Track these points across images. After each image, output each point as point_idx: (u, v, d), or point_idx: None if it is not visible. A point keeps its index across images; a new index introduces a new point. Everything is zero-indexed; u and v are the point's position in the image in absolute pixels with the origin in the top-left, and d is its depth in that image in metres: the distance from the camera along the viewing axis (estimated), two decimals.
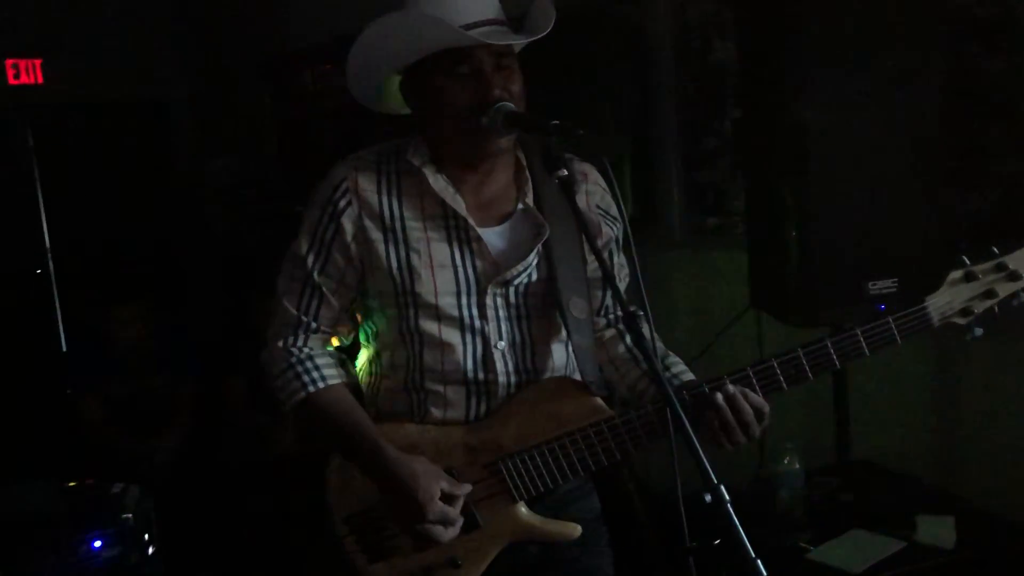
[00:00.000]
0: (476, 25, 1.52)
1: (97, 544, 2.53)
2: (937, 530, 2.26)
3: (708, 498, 1.29)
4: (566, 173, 1.45)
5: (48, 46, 5.50)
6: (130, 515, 2.57)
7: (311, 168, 4.88)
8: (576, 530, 1.63)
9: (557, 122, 1.45)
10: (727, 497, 1.25)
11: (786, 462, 2.43)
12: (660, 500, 1.71)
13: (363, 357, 1.72)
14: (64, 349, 5.42)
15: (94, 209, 5.58)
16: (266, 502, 3.44)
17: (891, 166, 2.28)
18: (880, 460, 2.68)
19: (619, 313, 1.72)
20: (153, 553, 2.71)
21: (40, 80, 5.51)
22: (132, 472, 3.40)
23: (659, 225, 3.17)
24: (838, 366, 1.56)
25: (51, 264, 5.66)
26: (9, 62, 5.45)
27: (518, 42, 1.54)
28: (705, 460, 1.29)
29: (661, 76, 3.20)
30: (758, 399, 1.53)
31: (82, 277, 5.51)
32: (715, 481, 1.27)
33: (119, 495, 2.75)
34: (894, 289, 2.27)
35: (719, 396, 1.51)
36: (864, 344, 1.54)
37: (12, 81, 5.46)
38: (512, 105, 1.52)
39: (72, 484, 2.77)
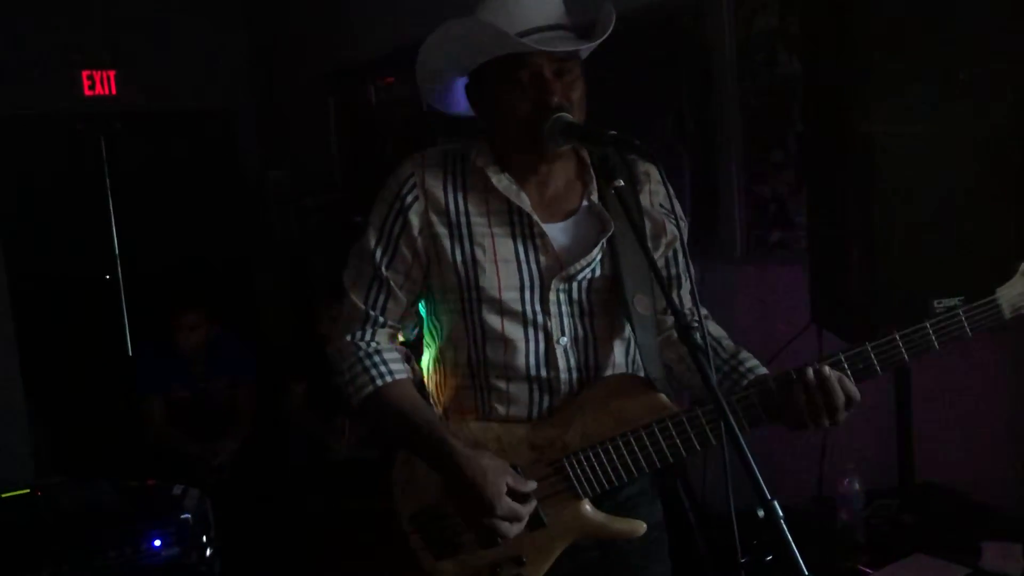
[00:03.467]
0: (535, 31, 1.53)
1: (157, 543, 2.58)
2: (1004, 558, 2.19)
3: (761, 513, 1.27)
4: (622, 183, 1.46)
5: (122, 58, 5.68)
6: (189, 515, 2.63)
7: (372, 179, 4.99)
8: (641, 527, 1.62)
9: (614, 133, 1.46)
10: (780, 513, 1.23)
11: (847, 482, 2.38)
12: (714, 514, 1.69)
13: (428, 354, 1.75)
14: (130, 353, 5.57)
15: (162, 216, 5.73)
16: (323, 505, 3.49)
17: (959, 181, 2.22)
18: (945, 482, 2.61)
19: (684, 313, 1.71)
20: (211, 554, 2.76)
21: (114, 91, 5.69)
22: (192, 474, 3.48)
23: (720, 238, 3.13)
24: (907, 359, 1.53)
25: (120, 270, 5.83)
26: (85, 73, 5.65)
27: (568, 49, 1.54)
28: (758, 474, 1.26)
29: (725, 88, 3.17)
30: (853, 388, 1.51)
31: (149, 283, 5.67)
32: (768, 496, 1.25)
33: (179, 496, 2.82)
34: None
35: (811, 372, 1.50)
36: (933, 337, 1.52)
37: (87, 92, 5.66)
38: (569, 116, 1.53)
39: (135, 484, 2.84)
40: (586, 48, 1.57)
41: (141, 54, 5.69)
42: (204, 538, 2.72)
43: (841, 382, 1.50)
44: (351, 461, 3.74)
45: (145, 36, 5.67)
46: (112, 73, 5.68)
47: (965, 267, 2.22)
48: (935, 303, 2.21)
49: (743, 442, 1.28)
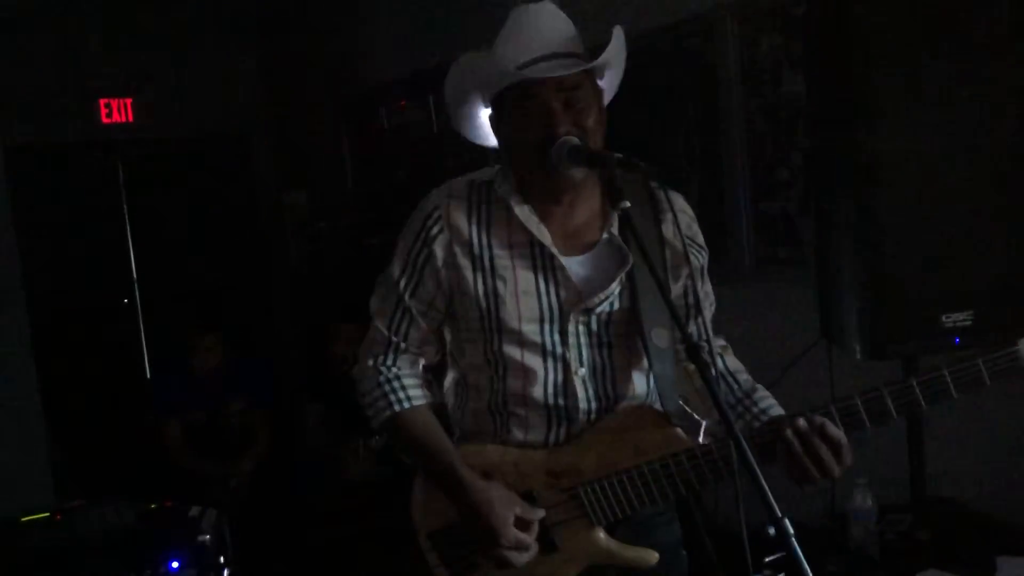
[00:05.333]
0: (540, 60, 1.56)
1: (175, 564, 2.59)
2: (1019, 573, 2.18)
3: (772, 531, 1.29)
4: (628, 205, 1.47)
5: (138, 86, 5.77)
6: (207, 537, 2.64)
7: (385, 203, 5.04)
8: (653, 557, 1.64)
9: (620, 156, 1.48)
10: (791, 530, 1.24)
11: (859, 498, 2.38)
12: (726, 532, 1.70)
13: (450, 379, 1.78)
14: (148, 376, 5.62)
15: (178, 241, 5.81)
16: (338, 525, 3.51)
17: (966, 197, 2.24)
18: (958, 498, 2.60)
19: (694, 336, 1.72)
20: (228, 575, 2.78)
21: (131, 118, 5.78)
22: (208, 495, 3.51)
23: (728, 256, 3.15)
24: (924, 407, 1.53)
25: (138, 294, 5.90)
26: (102, 101, 5.74)
27: (560, 75, 1.56)
28: (768, 493, 1.28)
29: (731, 107, 3.20)
30: (835, 432, 1.49)
31: (166, 307, 5.73)
32: (779, 514, 1.26)
33: (197, 517, 2.83)
34: (969, 323, 2.22)
35: (788, 431, 1.50)
36: (952, 385, 1.51)
37: (104, 120, 5.75)
38: (575, 140, 1.55)
39: (153, 505, 2.86)
40: (581, 68, 1.58)
41: (157, 81, 5.78)
42: (221, 559, 2.73)
43: (824, 428, 1.48)
44: (366, 482, 3.76)
45: (161, 64, 5.77)
46: (129, 101, 5.78)
47: (973, 283, 2.24)
48: (943, 318, 2.22)
49: (755, 463, 1.29)
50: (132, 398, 5.13)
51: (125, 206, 5.88)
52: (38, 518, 2.68)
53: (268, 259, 5.96)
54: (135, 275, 5.91)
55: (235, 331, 4.18)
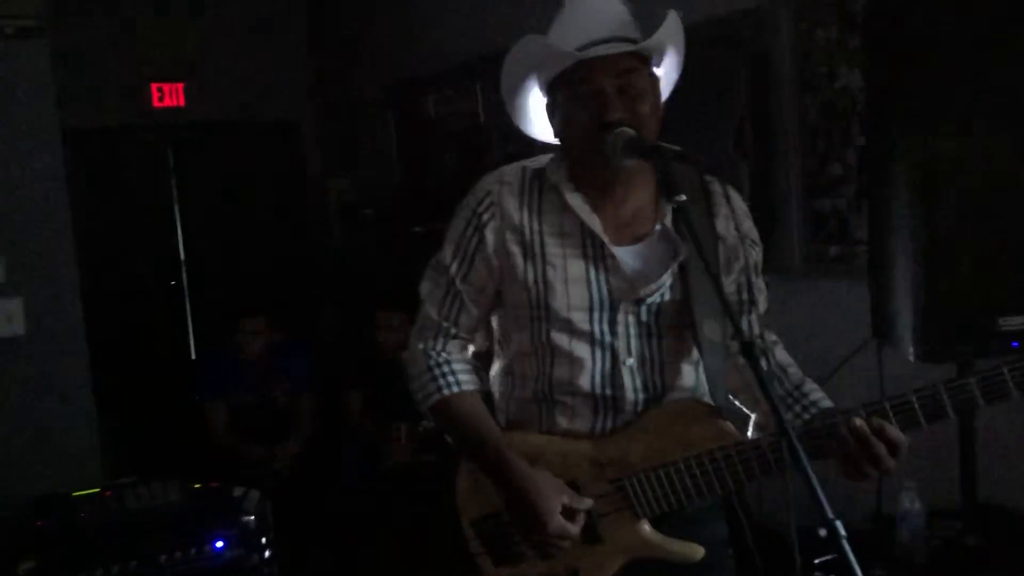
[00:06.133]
0: (595, 44, 1.55)
1: (220, 544, 2.65)
2: None
3: (823, 532, 1.27)
4: (684, 198, 1.46)
5: (190, 71, 5.85)
6: (252, 518, 2.69)
7: (431, 190, 5.05)
8: (699, 552, 1.63)
9: (677, 149, 1.47)
10: (843, 532, 1.22)
11: (907, 501, 2.35)
12: (772, 532, 1.69)
13: (496, 366, 1.79)
14: (193, 357, 5.71)
15: (226, 225, 5.89)
16: (379, 509, 3.54)
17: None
18: (1010, 504, 2.55)
19: (747, 332, 1.71)
20: (270, 556, 2.82)
21: (182, 102, 5.86)
22: (252, 477, 3.56)
23: (778, 252, 3.11)
24: (982, 405, 1.50)
25: (185, 276, 5.99)
26: (154, 85, 5.83)
27: (613, 52, 1.54)
28: (821, 493, 1.26)
29: (784, 102, 3.16)
30: (896, 433, 1.47)
31: (213, 289, 5.82)
32: (831, 515, 1.25)
33: (242, 498, 2.89)
34: None
35: (844, 429, 1.48)
36: (1011, 384, 1.47)
37: (156, 104, 5.84)
38: (631, 130, 1.53)
39: (199, 486, 2.92)
40: (635, 48, 1.56)
41: (209, 67, 5.86)
42: (264, 540, 2.78)
43: (883, 429, 1.46)
44: (407, 467, 3.79)
45: (213, 49, 5.84)
46: (181, 86, 5.86)
47: None
48: (1000, 321, 2.18)
49: (806, 461, 1.28)
50: (177, 379, 5.21)
51: (174, 189, 5.97)
52: (89, 494, 2.75)
53: (313, 245, 6.01)
54: (183, 257, 6.00)
55: (280, 315, 4.22)
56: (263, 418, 4.05)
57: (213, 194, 5.98)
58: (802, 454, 1.30)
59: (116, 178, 5.69)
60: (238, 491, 2.92)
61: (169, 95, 5.84)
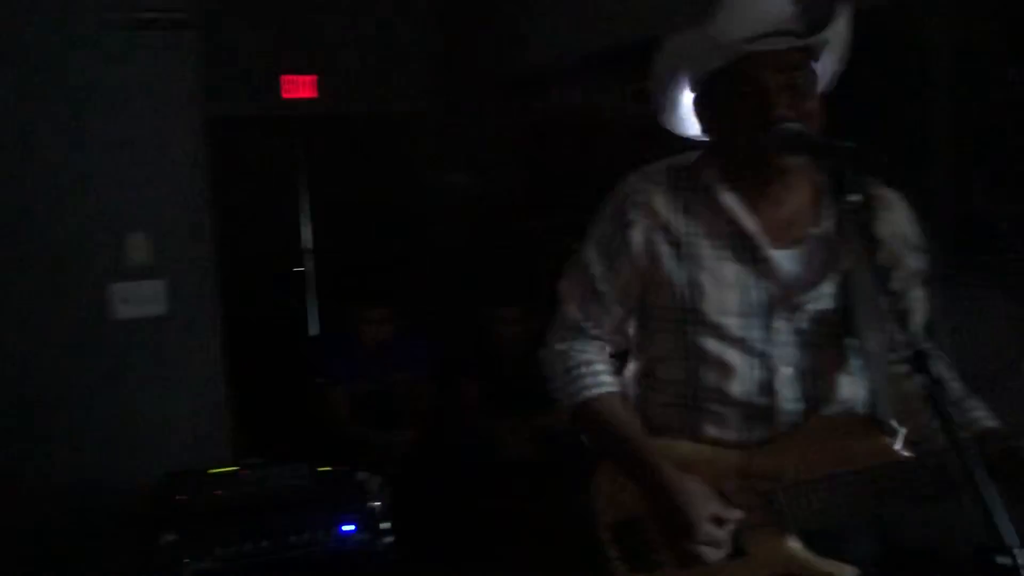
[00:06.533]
0: (762, 37, 1.49)
1: (346, 528, 2.69)
2: None
3: (1000, 559, 1.19)
4: (860, 198, 1.38)
5: (319, 63, 6.00)
6: (379, 504, 2.72)
7: (549, 186, 5.03)
8: (848, 573, 1.56)
9: (851, 146, 1.39)
10: None
11: None
12: (928, 555, 1.60)
13: (633, 369, 1.75)
14: (313, 342, 5.85)
15: (349, 214, 6.02)
16: (492, 502, 3.55)
17: None
18: None
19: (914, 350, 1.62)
20: (392, 543, 2.85)
21: (311, 94, 6.02)
22: (370, 463, 3.61)
23: (931, 259, 2.96)
24: None
25: (309, 264, 6.17)
26: (285, 77, 6.00)
27: (785, 47, 1.48)
28: (1004, 515, 1.18)
29: (940, 100, 3.00)
30: None
31: (335, 277, 5.96)
32: (1014, 541, 1.17)
33: (366, 483, 2.93)
34: None
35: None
36: None
37: (286, 95, 6.01)
38: (796, 126, 1.47)
39: (326, 469, 2.97)
40: (805, 43, 1.50)
41: (337, 59, 5.99)
42: (388, 526, 2.81)
43: None
44: (521, 461, 3.79)
45: (341, 41, 5.97)
46: (312, 78, 6.01)
47: None
48: None
49: (986, 483, 1.20)
50: (297, 364, 5.35)
51: (303, 178, 6.14)
52: (225, 471, 2.84)
53: (432, 236, 6.09)
54: (307, 245, 6.17)
55: (401, 305, 4.28)
56: (381, 405, 4.11)
57: (338, 184, 6.12)
58: (982, 475, 1.21)
59: (247, 167, 5.88)
60: (363, 476, 2.96)
61: (300, 87, 6.00)
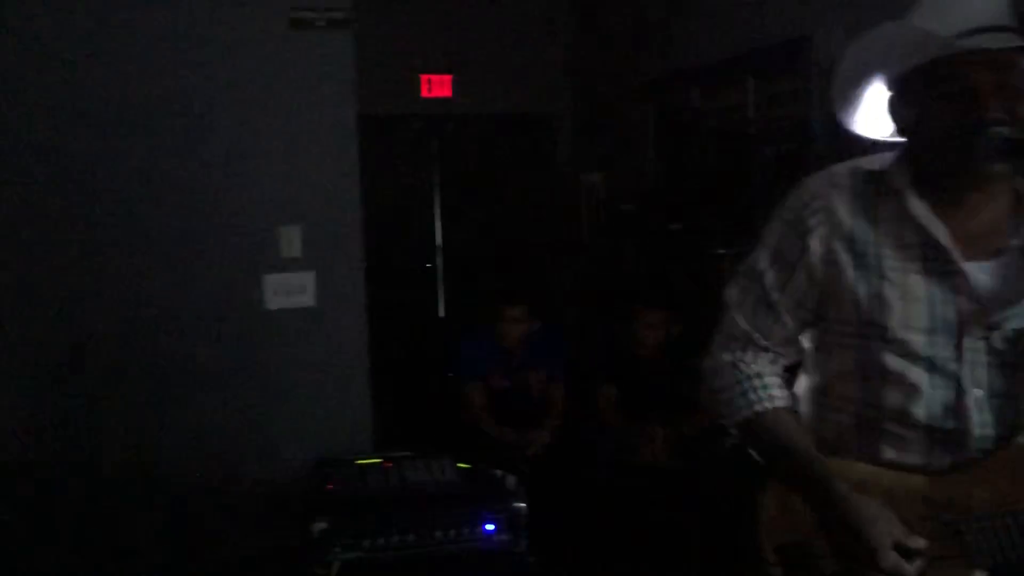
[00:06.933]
0: (975, 32, 1.39)
1: (490, 527, 2.69)
2: None
3: None
4: None
5: (457, 63, 6.08)
6: (523, 505, 2.71)
7: (689, 188, 4.94)
8: None
9: None
10: None
11: None
12: None
13: (806, 384, 1.67)
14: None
15: (481, 213, 6.07)
16: (626, 508, 3.50)
17: None
18: None
19: None
20: (530, 545, 2.84)
21: (449, 94, 6.10)
22: (504, 461, 3.61)
23: None
24: None
25: (439, 260, 6.25)
26: (424, 77, 6.10)
27: (1006, 46, 1.38)
28: None
29: None
30: None
31: (465, 275, 6.03)
32: None
33: (509, 483, 2.92)
34: None
35: None
36: None
37: (424, 94, 6.11)
38: (1008, 130, 1.36)
39: (469, 466, 2.99)
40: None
41: (474, 59, 6.05)
42: (527, 528, 2.80)
43: None
44: (657, 469, 3.73)
45: (478, 42, 6.03)
46: (448, 78, 6.10)
47: None
48: None
49: None
50: (424, 358, 5.43)
51: (436, 176, 6.23)
52: (372, 462, 2.89)
53: (564, 237, 6.08)
54: (439, 242, 6.26)
55: (539, 306, 4.28)
56: (516, 403, 4.12)
57: (471, 182, 6.18)
58: None
59: (384, 164, 6.01)
60: (504, 475, 2.96)
61: (437, 86, 6.09)
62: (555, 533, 3.18)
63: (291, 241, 3.59)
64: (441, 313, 6.23)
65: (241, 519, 3.44)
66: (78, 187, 3.37)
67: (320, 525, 2.53)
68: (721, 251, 4.15)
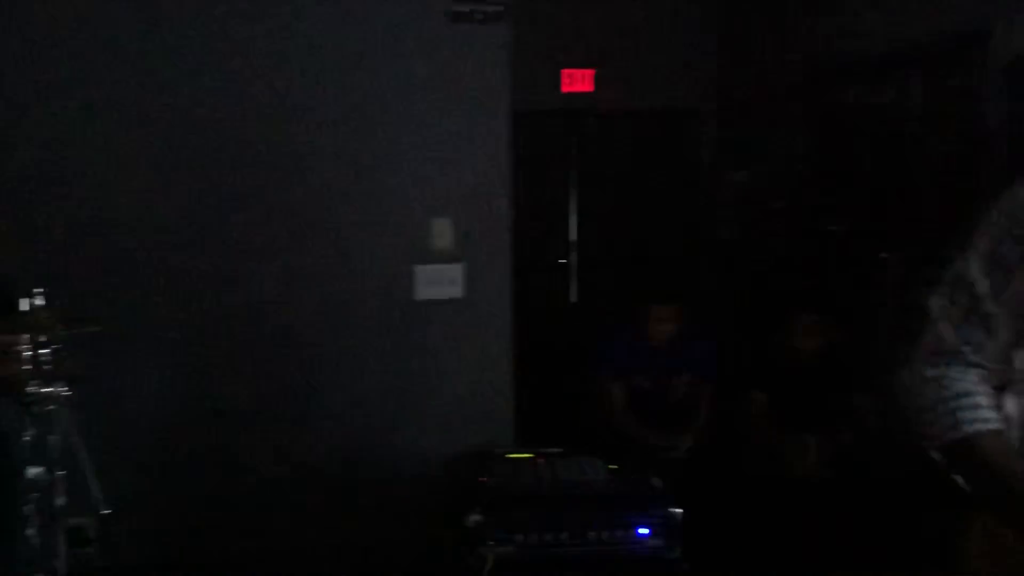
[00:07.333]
0: None
1: (644, 531, 2.63)
2: None
3: None
4: None
5: (599, 57, 6.01)
6: (679, 511, 2.64)
7: (846, 188, 4.72)
8: None
9: None
10: None
11: None
12: None
13: (1014, 406, 1.53)
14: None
15: (618, 210, 5.98)
16: (780, 522, 3.36)
17: None
18: None
19: None
20: (681, 553, 2.76)
21: (591, 88, 6.03)
22: (646, 463, 3.52)
23: None
24: None
25: (573, 256, 6.20)
26: (565, 72, 6.05)
27: None
28: None
29: None
30: None
31: (598, 271, 5.96)
32: None
33: (659, 488, 2.85)
34: None
35: None
36: None
37: (565, 89, 6.06)
38: None
39: (616, 467, 2.93)
40: None
41: (617, 54, 5.97)
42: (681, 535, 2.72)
43: None
44: (809, 481, 3.57)
45: (622, 35, 5.94)
46: (591, 72, 6.03)
47: None
48: None
49: None
50: (560, 353, 5.38)
51: (574, 172, 6.18)
52: (523, 457, 2.86)
53: (706, 236, 5.93)
54: (573, 238, 6.20)
55: (689, 306, 4.16)
56: (657, 405, 4.01)
57: (609, 178, 6.10)
58: None
59: (523, 158, 5.98)
60: (654, 479, 2.89)
61: (579, 80, 6.03)
62: (705, 542, 3.08)
63: (443, 233, 3.61)
64: (573, 308, 6.17)
65: (383, 506, 3.48)
66: (239, 177, 3.48)
67: (475, 517, 2.51)
68: (884, 254, 3.94)
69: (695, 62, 6.02)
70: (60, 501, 2.35)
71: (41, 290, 2.41)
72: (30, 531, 2.34)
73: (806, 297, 3.87)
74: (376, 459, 3.53)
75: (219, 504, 3.36)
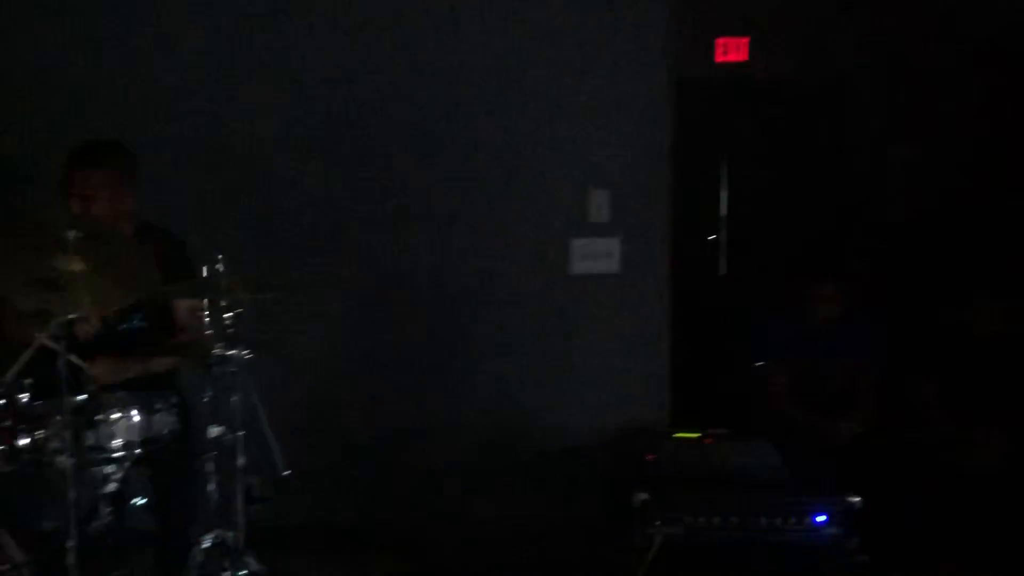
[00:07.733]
0: None
1: (820, 519, 2.51)
2: None
3: None
4: None
5: (754, 25, 5.75)
6: (857, 500, 2.51)
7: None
8: None
9: None
10: None
11: None
12: None
13: None
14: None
15: (771, 184, 5.74)
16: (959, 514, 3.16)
17: None
18: None
19: None
20: (859, 543, 2.62)
21: (745, 58, 5.79)
22: (806, 448, 3.36)
23: None
24: None
25: (723, 233, 6.00)
26: (720, 40, 5.83)
27: None
28: None
29: None
30: None
31: (750, 248, 5.74)
32: None
33: (828, 471, 2.72)
34: None
35: None
36: None
37: (719, 58, 5.84)
38: None
39: (789, 451, 2.81)
40: None
41: (772, 21, 5.70)
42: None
43: None
44: (988, 475, 3.34)
45: (777, 4, 5.67)
46: (745, 40, 5.79)
47: None
48: None
49: None
50: (712, 333, 5.22)
51: (725, 144, 5.96)
52: (690, 437, 2.79)
53: (871, 215, 5.62)
54: (724, 213, 6.00)
55: (853, 286, 3.95)
56: (818, 389, 3.83)
57: (761, 152, 5.85)
58: None
59: (674, 129, 5.81)
60: (824, 463, 2.75)
61: (734, 50, 5.80)
62: (878, 533, 2.91)
63: (600, 206, 3.54)
64: (718, 286, 5.98)
65: (537, 480, 3.46)
66: (404, 150, 3.51)
67: (642, 496, 2.46)
68: None
69: (858, 27, 5.68)
70: (240, 460, 2.42)
71: (221, 256, 2.48)
72: (211, 487, 2.43)
73: (992, 282, 3.59)
74: (530, 434, 3.52)
75: (386, 471, 3.43)
